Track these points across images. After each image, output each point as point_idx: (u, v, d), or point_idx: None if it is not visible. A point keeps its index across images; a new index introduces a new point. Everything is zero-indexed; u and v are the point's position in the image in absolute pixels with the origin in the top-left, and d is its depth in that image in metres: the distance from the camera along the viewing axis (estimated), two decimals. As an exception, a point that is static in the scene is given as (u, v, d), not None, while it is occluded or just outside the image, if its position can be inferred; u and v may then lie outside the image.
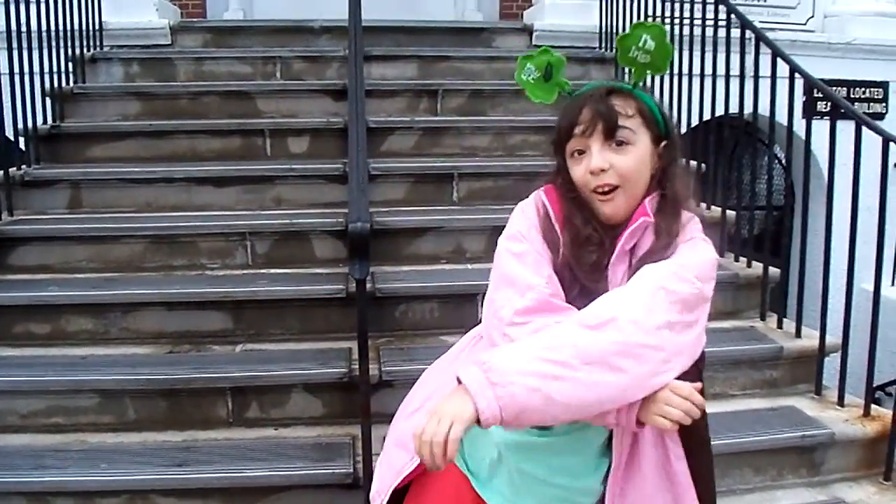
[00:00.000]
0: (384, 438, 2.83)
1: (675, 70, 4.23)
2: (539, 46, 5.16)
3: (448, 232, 3.74)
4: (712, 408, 3.10)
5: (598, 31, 5.43)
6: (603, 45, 5.38)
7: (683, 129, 4.27)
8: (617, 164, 1.57)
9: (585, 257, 1.59)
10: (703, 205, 4.12)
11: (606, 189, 1.58)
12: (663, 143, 1.64)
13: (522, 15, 6.11)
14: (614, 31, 5.14)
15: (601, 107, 1.57)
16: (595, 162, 1.56)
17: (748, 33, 3.73)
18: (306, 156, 4.29)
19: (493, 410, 1.36)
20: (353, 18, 3.98)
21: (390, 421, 2.97)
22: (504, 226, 3.76)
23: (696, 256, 1.56)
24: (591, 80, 5.07)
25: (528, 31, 5.64)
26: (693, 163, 4.25)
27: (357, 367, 2.78)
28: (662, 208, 1.61)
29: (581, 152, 1.60)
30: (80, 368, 3.06)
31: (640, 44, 1.65)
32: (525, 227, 1.66)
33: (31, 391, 3.00)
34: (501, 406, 1.36)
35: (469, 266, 3.67)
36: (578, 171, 1.60)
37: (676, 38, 4.23)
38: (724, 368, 3.26)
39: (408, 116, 4.56)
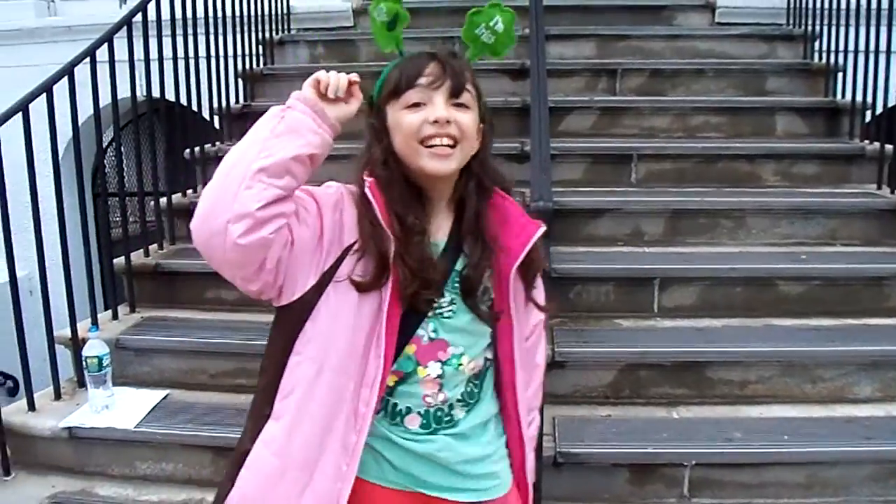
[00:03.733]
0: (553, 419, 2.85)
1: (872, 47, 3.98)
2: (722, 24, 5.01)
3: (626, 214, 3.69)
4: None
5: (785, 6, 5.18)
6: (790, 21, 5.14)
7: (879, 110, 4.02)
8: (460, 119, 1.48)
9: (416, 252, 1.47)
10: (886, 188, 3.89)
11: (446, 143, 1.47)
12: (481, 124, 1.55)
13: (705, -9, 5.89)
14: (804, 6, 4.88)
15: (453, 64, 1.50)
16: (439, 112, 1.46)
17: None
18: (484, 135, 4.31)
19: None
20: (535, -2, 3.97)
21: (561, 401, 2.99)
22: (684, 209, 3.69)
23: None
24: (777, 58, 4.90)
25: (711, 7, 5.42)
26: (877, 145, 4.01)
27: (530, 345, 2.78)
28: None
29: (418, 105, 1.48)
30: (265, 333, 3.21)
31: (491, 23, 1.60)
32: (339, 196, 1.52)
33: (219, 353, 3.21)
34: None
35: (647, 249, 3.61)
36: (412, 118, 1.47)
37: (874, 12, 3.98)
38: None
39: (586, 96, 4.52)
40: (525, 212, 1.61)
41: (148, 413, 3.02)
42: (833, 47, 4.48)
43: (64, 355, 3.27)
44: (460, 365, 1.53)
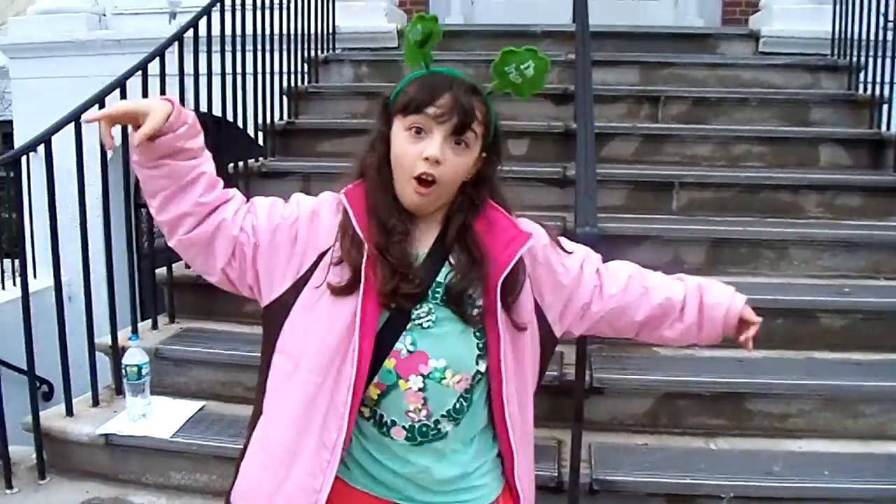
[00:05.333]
0: (589, 445, 2.83)
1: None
2: (766, 53, 4.97)
3: (666, 241, 3.66)
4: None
5: (829, 37, 5.12)
6: (836, 51, 5.08)
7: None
8: (450, 162, 1.49)
9: (396, 251, 1.51)
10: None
11: (428, 179, 1.49)
12: (484, 154, 1.58)
13: (748, 20, 5.87)
14: (849, 37, 4.84)
15: (465, 101, 1.49)
16: (433, 150, 1.47)
17: None
18: (526, 158, 4.32)
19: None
20: (581, 23, 3.98)
21: (598, 428, 2.97)
22: (725, 238, 3.65)
23: None
24: (822, 89, 4.87)
25: (755, 37, 5.42)
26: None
27: (568, 371, 2.77)
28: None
29: (420, 131, 1.50)
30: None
31: (523, 66, 1.60)
32: (317, 206, 1.60)
33: (256, 366, 3.15)
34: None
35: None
36: (411, 148, 1.50)
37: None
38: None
39: (628, 122, 4.51)
40: (515, 222, 1.62)
41: (184, 423, 3.04)
42: (879, 79, 4.43)
43: (101, 362, 3.30)
44: (443, 379, 1.51)
